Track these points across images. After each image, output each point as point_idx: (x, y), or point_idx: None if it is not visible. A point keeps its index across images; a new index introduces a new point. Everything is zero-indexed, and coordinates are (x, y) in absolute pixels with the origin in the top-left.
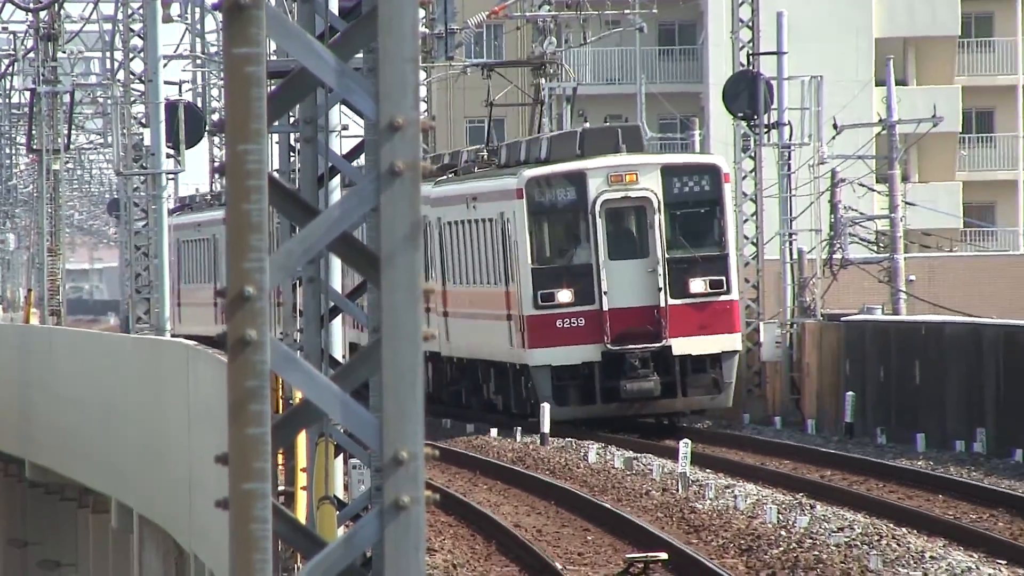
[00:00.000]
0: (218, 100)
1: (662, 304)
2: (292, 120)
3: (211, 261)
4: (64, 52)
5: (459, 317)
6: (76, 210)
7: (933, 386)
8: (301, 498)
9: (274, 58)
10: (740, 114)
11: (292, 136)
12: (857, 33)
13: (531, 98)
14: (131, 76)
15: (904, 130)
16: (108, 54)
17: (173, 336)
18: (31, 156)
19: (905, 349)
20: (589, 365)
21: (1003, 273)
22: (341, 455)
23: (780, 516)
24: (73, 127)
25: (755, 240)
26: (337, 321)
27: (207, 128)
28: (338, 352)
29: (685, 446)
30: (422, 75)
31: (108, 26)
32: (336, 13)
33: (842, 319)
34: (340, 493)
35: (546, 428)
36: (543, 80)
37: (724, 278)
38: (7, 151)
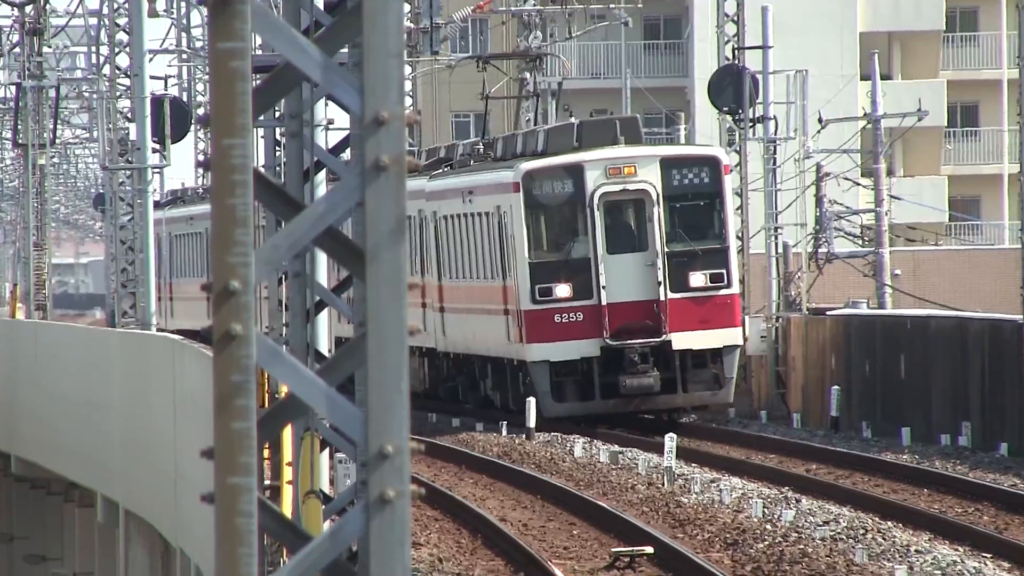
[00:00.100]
0: (204, 95)
1: (662, 298)
2: (277, 115)
3: (203, 255)
4: (49, 47)
5: (456, 312)
6: (62, 204)
7: (918, 380)
8: (287, 492)
9: (259, 53)
10: (725, 108)
11: (277, 131)
12: (842, 27)
13: (529, 91)
14: (117, 71)
15: (889, 124)
16: (94, 49)
17: (163, 331)
18: (16, 151)
19: (890, 343)
20: (588, 360)
21: (988, 267)
22: (327, 449)
23: (766, 510)
24: (59, 122)
25: (740, 234)
26: (323, 315)
27: (192, 122)
28: (324, 346)
29: (671, 440)
30: (407, 70)
31: (94, 21)
32: (321, 8)
33: (827, 313)
34: (326, 487)
35: (532, 423)
36: (528, 74)
37: (724, 271)
38: None
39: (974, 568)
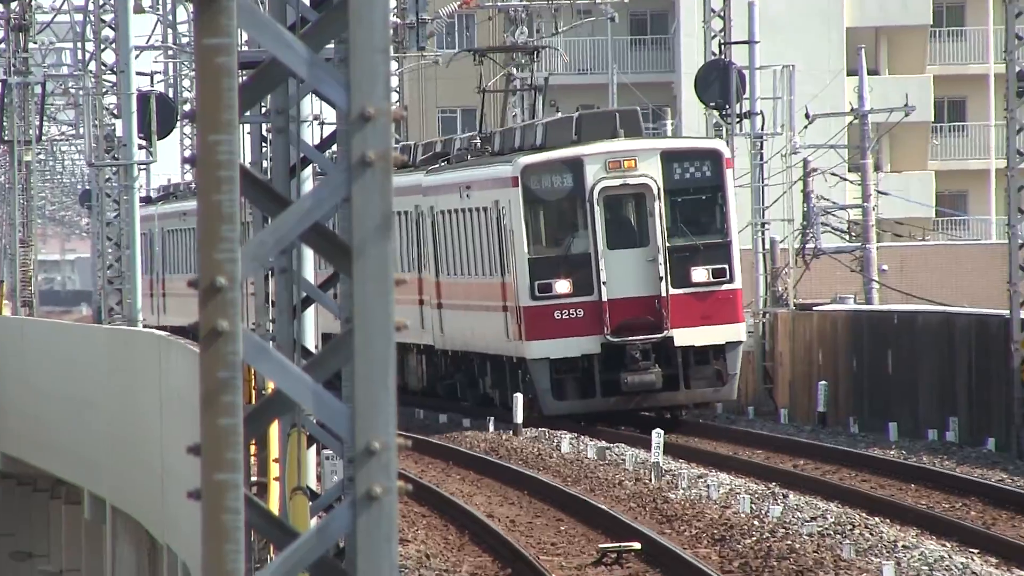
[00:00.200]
0: (190, 91)
1: (663, 294)
2: (264, 110)
3: (196, 251)
4: (35, 43)
5: (454, 309)
6: (48, 201)
7: (905, 375)
8: (274, 489)
9: (245, 49)
10: (712, 104)
11: (264, 126)
12: (829, 22)
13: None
14: (103, 67)
15: (876, 119)
16: (80, 45)
17: (159, 327)
18: (2, 147)
19: (877, 338)
20: (588, 358)
21: (975, 262)
22: (314, 445)
23: (753, 506)
24: (45, 118)
25: None
26: (310, 312)
27: (179, 118)
28: (310, 343)
29: (658, 436)
30: (394, 65)
31: (79, 17)
32: (307, 4)
33: (814, 308)
34: (313, 484)
35: (519, 418)
36: (515, 70)
37: (727, 266)
38: None
39: (961, 563)
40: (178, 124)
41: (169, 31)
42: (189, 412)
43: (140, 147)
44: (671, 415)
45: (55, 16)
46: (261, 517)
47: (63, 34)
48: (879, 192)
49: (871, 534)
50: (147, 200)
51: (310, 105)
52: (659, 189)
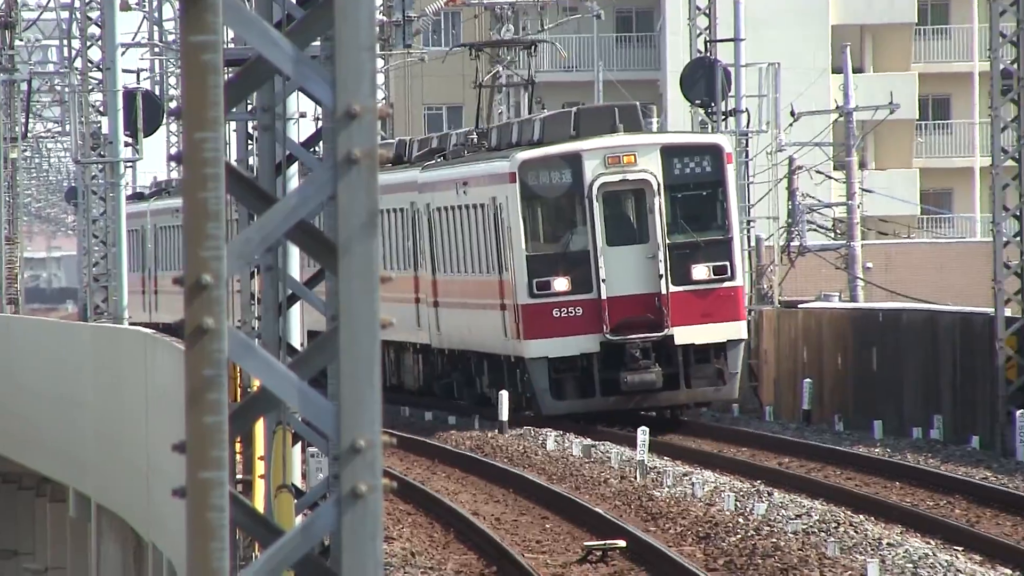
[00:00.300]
0: (176, 88)
1: (663, 291)
2: (250, 108)
3: None
4: (21, 40)
5: (450, 307)
6: (34, 199)
7: (890, 373)
8: (259, 486)
9: (231, 46)
10: (697, 101)
11: (250, 124)
12: (814, 20)
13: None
14: (89, 64)
15: (861, 117)
16: (65, 42)
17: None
18: None
19: (862, 336)
20: (587, 356)
21: (960, 260)
22: (299, 443)
23: (738, 503)
24: (30, 116)
25: None
26: (295, 309)
27: (165, 115)
28: (296, 340)
29: (643, 434)
30: (380, 63)
31: (65, 14)
32: (293, 1)
33: (799, 306)
34: (298, 481)
35: (504, 416)
36: (501, 67)
37: (728, 263)
38: None
39: (946, 561)
40: (164, 121)
41: (155, 28)
42: (175, 410)
43: (126, 144)
44: (671, 415)
45: (41, 13)
46: (246, 515)
47: (49, 31)
48: (864, 190)
49: (856, 532)
50: (139, 196)
51: (296, 102)
52: (659, 185)
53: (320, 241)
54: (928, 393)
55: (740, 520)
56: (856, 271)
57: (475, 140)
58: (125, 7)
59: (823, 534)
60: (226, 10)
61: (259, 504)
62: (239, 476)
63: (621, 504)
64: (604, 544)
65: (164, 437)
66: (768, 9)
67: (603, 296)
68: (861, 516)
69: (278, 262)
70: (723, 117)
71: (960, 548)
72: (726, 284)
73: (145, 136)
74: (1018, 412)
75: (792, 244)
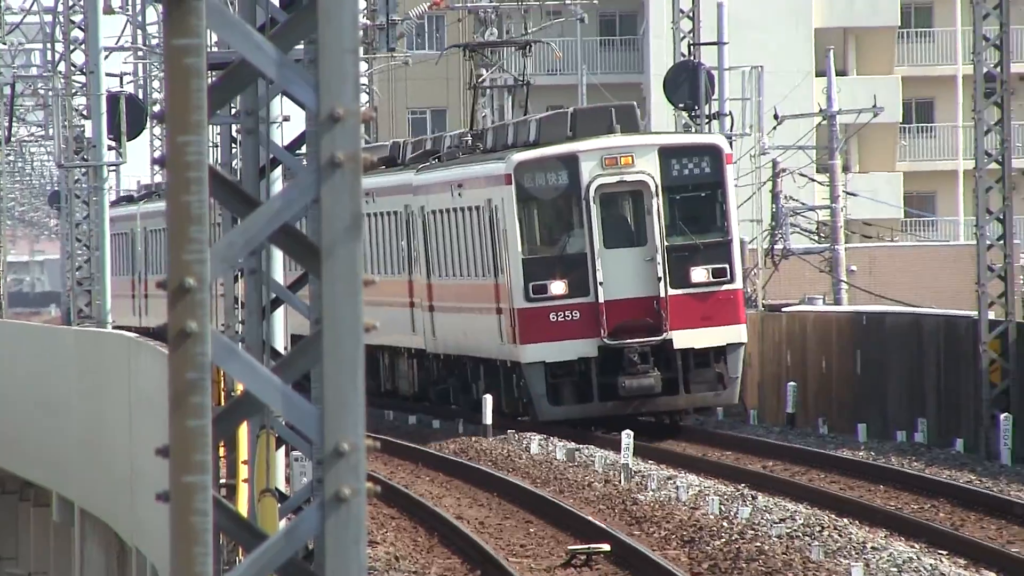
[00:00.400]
0: (160, 92)
1: (662, 295)
2: (233, 111)
3: None
4: (4, 43)
5: (446, 312)
6: (17, 202)
7: (874, 377)
8: (243, 490)
9: (215, 49)
10: (681, 104)
11: (233, 127)
12: (797, 23)
13: (518, 80)
14: (72, 68)
15: (845, 120)
16: (49, 46)
17: (139, 328)
18: None
19: (846, 340)
20: (585, 361)
21: (944, 263)
22: (283, 447)
23: (722, 507)
24: (14, 119)
25: None
26: (279, 313)
27: (148, 119)
28: (280, 344)
29: (627, 437)
30: (364, 66)
31: (49, 17)
32: (277, 4)
33: (783, 309)
34: (282, 485)
35: (488, 419)
36: (484, 70)
37: (727, 266)
38: None
39: (930, 565)
40: (148, 125)
41: (139, 32)
42: (158, 414)
43: (110, 148)
44: (671, 420)
45: (24, 17)
46: (230, 519)
47: (32, 35)
48: (847, 193)
49: (840, 535)
50: (129, 199)
51: (280, 106)
52: (657, 186)
53: (303, 244)
54: (912, 396)
55: (724, 524)
56: (840, 274)
57: (470, 142)
58: (108, 10)
59: (807, 538)
60: (209, 13)
61: (243, 508)
62: (223, 480)
63: (605, 508)
64: (588, 548)
65: (147, 441)
66: (751, 12)
67: (601, 299)
68: (845, 520)
69: (262, 266)
70: (707, 120)
71: (944, 552)
72: (726, 287)
73: (129, 140)
74: (1002, 415)
75: (776, 247)
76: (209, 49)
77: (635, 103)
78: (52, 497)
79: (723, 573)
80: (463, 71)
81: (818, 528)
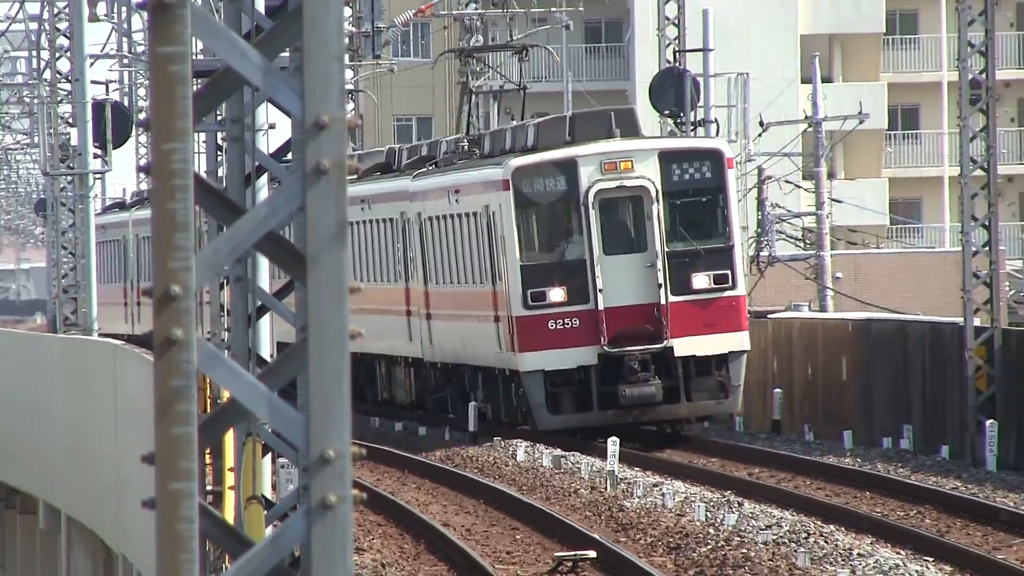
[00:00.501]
0: (145, 99)
1: (662, 302)
2: (219, 119)
3: None
4: None
5: (443, 319)
6: (3, 210)
7: (860, 383)
8: (229, 498)
9: (200, 57)
10: (666, 111)
11: (219, 135)
12: (782, 30)
13: (516, 85)
14: (57, 75)
15: (830, 127)
16: (34, 53)
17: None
18: None
19: (832, 346)
20: (584, 369)
21: (929, 270)
22: (269, 454)
23: (708, 514)
24: None
25: None
26: (264, 320)
27: (134, 126)
28: (265, 351)
29: (613, 444)
30: (349, 74)
31: (34, 25)
32: (262, 12)
33: (769, 316)
34: (268, 493)
35: (473, 427)
36: (470, 76)
37: (729, 272)
38: None
39: (916, 571)
40: (133, 133)
41: (124, 39)
42: (144, 421)
43: (95, 156)
44: (672, 429)
45: (9, 25)
46: (216, 526)
47: (17, 43)
48: (833, 200)
49: (826, 542)
50: (120, 206)
51: (265, 113)
52: (657, 191)
53: (289, 252)
54: (898, 403)
55: (711, 531)
56: (826, 281)
57: (467, 147)
58: (94, 18)
59: (793, 544)
60: (194, 21)
61: (229, 515)
62: (209, 487)
63: (591, 515)
64: (575, 555)
65: (133, 448)
66: (737, 19)
67: (600, 307)
68: (832, 526)
69: (247, 273)
70: (692, 127)
71: (930, 558)
72: (727, 293)
73: (114, 147)
74: (988, 422)
75: (762, 254)
76: (194, 56)
77: (634, 107)
78: (38, 504)
79: None
80: (449, 78)
81: (804, 535)
